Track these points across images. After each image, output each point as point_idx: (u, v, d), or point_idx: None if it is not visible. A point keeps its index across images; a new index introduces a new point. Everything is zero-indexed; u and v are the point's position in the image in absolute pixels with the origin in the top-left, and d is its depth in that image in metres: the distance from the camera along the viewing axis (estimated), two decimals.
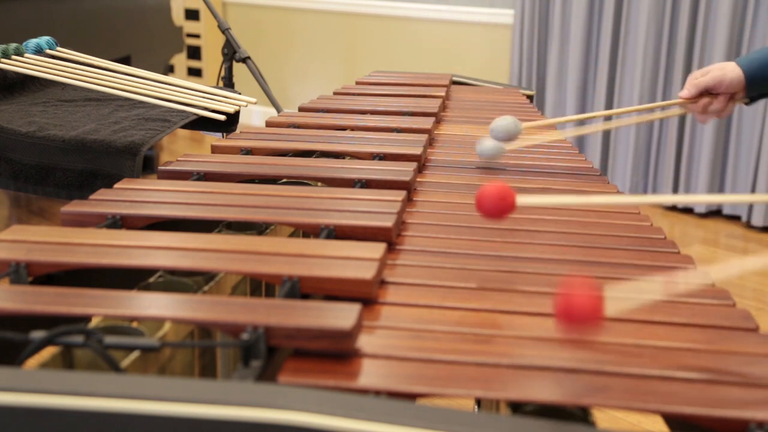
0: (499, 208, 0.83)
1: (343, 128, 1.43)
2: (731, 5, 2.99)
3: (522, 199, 0.84)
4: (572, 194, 0.97)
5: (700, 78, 1.31)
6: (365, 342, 0.65)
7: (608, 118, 1.43)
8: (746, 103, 1.36)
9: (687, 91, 1.32)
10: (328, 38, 4.16)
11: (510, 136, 1.22)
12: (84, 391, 0.50)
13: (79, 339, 0.60)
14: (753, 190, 3.08)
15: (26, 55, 1.82)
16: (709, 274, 0.75)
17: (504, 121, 1.19)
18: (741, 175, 3.14)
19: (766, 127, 3.01)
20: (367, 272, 0.74)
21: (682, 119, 3.19)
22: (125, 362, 0.62)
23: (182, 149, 4.00)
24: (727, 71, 1.29)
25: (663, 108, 1.49)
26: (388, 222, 0.90)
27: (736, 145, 3.13)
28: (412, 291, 0.78)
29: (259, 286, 0.96)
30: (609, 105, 3.37)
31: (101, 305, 0.66)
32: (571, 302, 0.61)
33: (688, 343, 0.68)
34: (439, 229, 0.96)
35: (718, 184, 3.19)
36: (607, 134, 3.42)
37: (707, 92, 1.31)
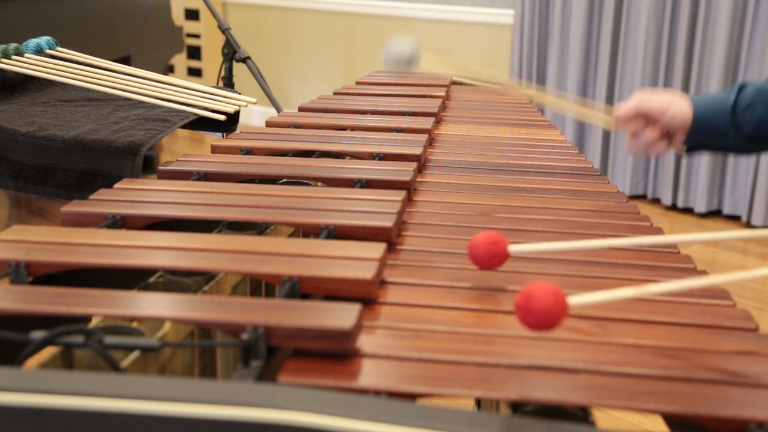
0: (490, 256, 0.81)
1: (343, 128, 1.43)
2: (731, 5, 2.99)
3: (515, 248, 0.81)
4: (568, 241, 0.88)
5: (644, 102, 1.13)
6: (365, 342, 0.65)
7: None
8: (683, 152, 1.17)
9: (623, 110, 1.14)
10: (328, 38, 4.16)
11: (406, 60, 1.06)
12: (84, 391, 0.50)
13: (79, 339, 0.60)
14: (753, 191, 3.08)
15: (26, 55, 1.82)
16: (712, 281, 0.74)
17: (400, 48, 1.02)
18: (741, 175, 3.14)
19: None
20: (367, 272, 0.74)
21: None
22: (125, 362, 0.62)
23: (182, 149, 4.00)
24: (675, 104, 1.12)
25: (593, 108, 1.30)
26: (388, 222, 0.90)
27: None
28: (412, 291, 0.78)
29: (259, 286, 0.96)
30: (609, 105, 3.37)
31: (101, 305, 0.66)
32: (530, 307, 0.61)
33: (688, 343, 0.68)
34: (439, 229, 0.96)
35: (718, 185, 3.19)
36: (607, 134, 3.42)
37: (645, 117, 1.13)
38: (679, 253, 0.92)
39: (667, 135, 1.14)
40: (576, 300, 0.63)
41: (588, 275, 0.84)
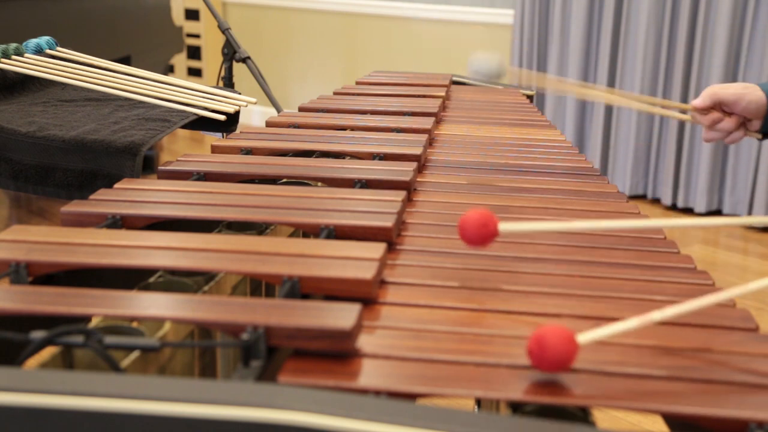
0: (481, 236, 0.82)
1: (343, 128, 1.43)
2: (731, 5, 2.99)
3: (505, 226, 0.82)
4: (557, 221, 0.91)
5: (719, 91, 1.19)
6: (365, 342, 0.65)
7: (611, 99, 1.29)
8: (759, 138, 1.24)
9: (701, 100, 1.20)
10: (328, 38, 4.16)
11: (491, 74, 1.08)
12: (84, 391, 0.50)
13: (79, 339, 0.60)
14: (753, 191, 3.08)
15: (26, 55, 1.82)
16: (728, 295, 0.73)
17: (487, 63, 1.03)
18: (741, 175, 3.14)
19: None
20: (367, 272, 0.74)
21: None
22: (125, 362, 0.62)
23: (182, 149, 4.00)
24: (749, 91, 1.17)
25: (668, 107, 1.37)
26: (388, 222, 0.90)
27: (736, 145, 3.13)
28: (412, 291, 0.78)
29: (259, 286, 0.96)
30: (609, 105, 3.37)
31: (101, 305, 0.66)
32: (544, 346, 0.60)
33: (688, 343, 0.68)
34: (439, 229, 0.96)
35: (718, 185, 3.20)
36: (607, 134, 3.42)
37: (721, 107, 1.19)
38: (679, 253, 0.92)
39: (743, 123, 1.19)
40: (585, 337, 0.62)
41: (588, 275, 0.84)
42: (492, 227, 0.81)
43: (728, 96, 1.17)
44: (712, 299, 0.69)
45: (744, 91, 1.16)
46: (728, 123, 1.18)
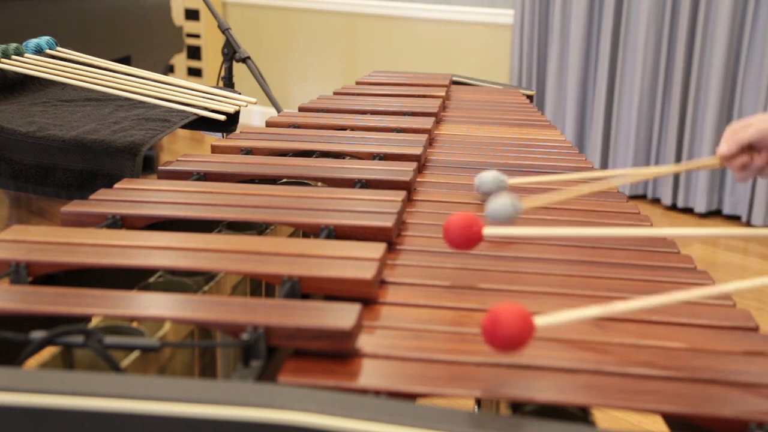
0: (466, 238, 0.83)
1: (343, 128, 1.43)
2: (731, 5, 2.99)
3: (489, 231, 0.83)
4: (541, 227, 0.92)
5: (740, 132, 1.13)
6: (365, 342, 0.65)
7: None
8: None
9: (726, 148, 1.14)
10: (328, 38, 4.16)
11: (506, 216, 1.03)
12: (84, 391, 0.50)
13: (79, 339, 0.60)
14: (753, 191, 3.08)
15: (26, 55, 1.82)
16: (724, 290, 0.73)
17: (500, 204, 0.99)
18: None
19: None
20: (367, 272, 0.74)
21: (681, 119, 3.19)
22: (125, 362, 0.62)
23: (182, 149, 4.00)
24: None
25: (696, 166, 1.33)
26: (388, 222, 0.90)
27: None
28: (412, 291, 0.78)
29: (259, 286, 0.96)
30: (609, 105, 3.37)
31: (101, 305, 0.66)
32: (497, 324, 0.60)
33: (688, 343, 0.68)
34: (439, 229, 0.96)
35: (718, 185, 3.20)
36: (607, 134, 3.42)
37: (749, 147, 1.14)
38: (679, 253, 0.92)
39: None
40: (543, 321, 0.63)
41: (588, 275, 0.84)
42: (476, 230, 0.82)
43: (753, 135, 1.12)
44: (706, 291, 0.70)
45: (765, 126, 1.11)
46: (759, 161, 1.14)
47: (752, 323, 0.73)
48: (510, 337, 0.59)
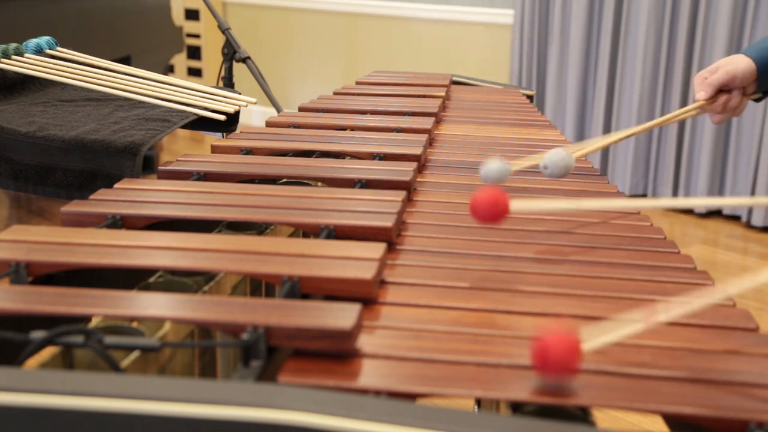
0: (493, 213, 0.84)
1: (343, 128, 1.43)
2: (731, 5, 2.99)
3: (517, 205, 0.84)
4: (567, 199, 0.95)
5: (711, 76, 1.24)
6: (365, 342, 0.65)
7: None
8: (756, 100, 1.29)
9: (704, 92, 1.25)
10: (328, 38, 4.16)
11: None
12: (84, 391, 0.50)
13: (79, 339, 0.60)
14: (753, 191, 3.08)
15: (26, 55, 1.82)
16: (726, 291, 0.73)
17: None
18: (741, 175, 3.14)
19: (766, 127, 3.01)
20: (367, 272, 0.74)
21: (682, 120, 3.19)
22: (125, 362, 0.62)
23: (182, 149, 4.00)
24: (738, 64, 1.23)
25: (678, 115, 1.42)
26: (388, 222, 0.90)
27: (736, 146, 3.13)
28: (412, 291, 0.78)
29: (259, 286, 0.96)
30: (609, 105, 3.37)
31: (101, 305, 0.66)
32: (547, 354, 0.59)
33: (688, 343, 0.68)
34: (439, 229, 0.96)
35: (718, 185, 3.20)
36: (607, 134, 3.42)
37: (722, 90, 1.25)
38: (679, 253, 0.92)
39: (743, 92, 1.26)
40: (591, 345, 0.62)
41: (588, 275, 0.84)
42: (503, 205, 0.84)
43: (723, 77, 1.23)
44: (718, 296, 0.70)
45: (733, 67, 1.22)
46: (735, 99, 1.25)
47: (752, 323, 0.73)
48: (560, 369, 0.59)
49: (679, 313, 0.67)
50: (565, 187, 1.16)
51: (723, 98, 1.25)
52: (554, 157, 1.03)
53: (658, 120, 1.33)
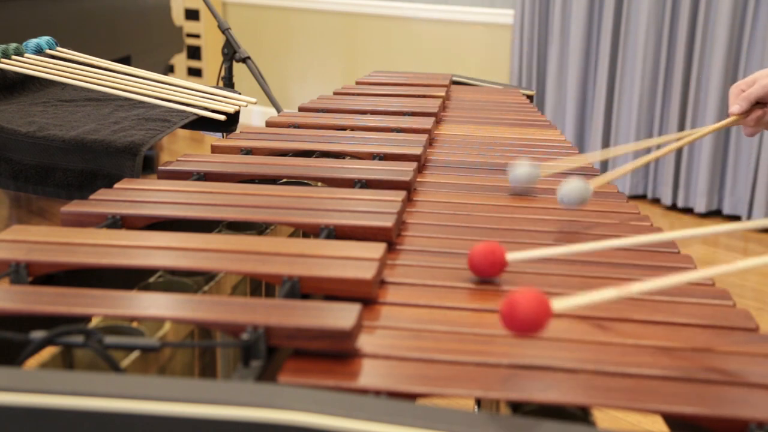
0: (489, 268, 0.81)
1: (343, 128, 1.43)
2: (731, 5, 2.99)
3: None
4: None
5: (747, 89, 1.22)
6: (365, 342, 0.65)
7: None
8: None
9: (738, 106, 1.23)
10: (328, 38, 4.16)
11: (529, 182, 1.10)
12: (84, 391, 0.50)
13: (79, 339, 0.60)
14: (753, 191, 3.08)
15: (26, 55, 1.82)
16: (706, 274, 0.74)
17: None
18: (741, 176, 3.14)
19: None
20: (367, 272, 0.74)
21: (681, 119, 3.19)
22: (125, 362, 0.62)
23: (182, 149, 4.00)
24: None
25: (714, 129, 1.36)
26: (388, 222, 0.90)
27: (736, 146, 3.13)
28: (412, 291, 0.78)
29: (259, 286, 0.96)
30: (609, 105, 3.37)
31: (101, 305, 0.66)
32: (516, 309, 0.62)
33: (688, 343, 0.68)
34: (439, 229, 0.96)
35: (718, 185, 3.20)
36: (607, 134, 3.42)
37: (758, 103, 1.23)
38: (679, 253, 0.92)
39: None
40: (560, 304, 0.64)
41: (588, 275, 0.84)
42: (500, 262, 0.81)
43: (760, 90, 1.20)
44: (691, 276, 0.71)
45: (766, 81, 1.20)
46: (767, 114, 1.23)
47: (752, 323, 0.73)
48: (528, 321, 0.61)
49: (653, 287, 0.68)
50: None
51: (758, 113, 1.23)
52: (571, 193, 1.01)
53: (688, 136, 1.29)
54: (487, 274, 0.80)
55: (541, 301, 0.62)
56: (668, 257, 0.91)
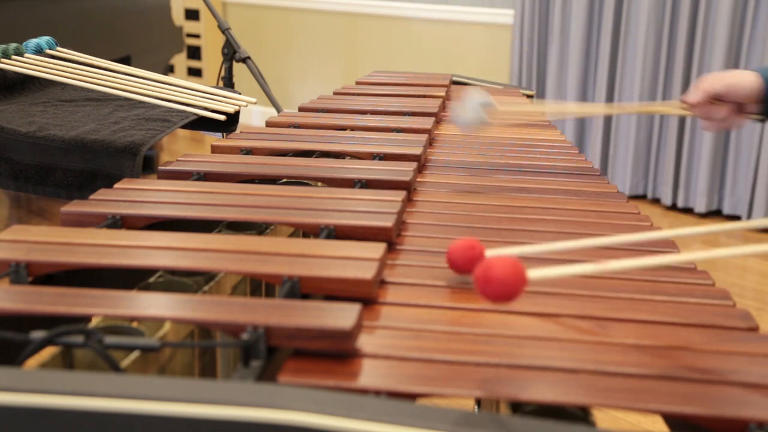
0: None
1: (343, 128, 1.43)
2: (731, 5, 2.99)
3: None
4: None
5: (709, 83, 1.21)
6: (365, 342, 0.65)
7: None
8: (760, 120, 1.25)
9: (692, 96, 1.22)
10: (328, 38, 4.16)
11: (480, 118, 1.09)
12: (84, 391, 0.50)
13: (79, 339, 0.60)
14: (753, 191, 3.08)
15: (26, 55, 1.82)
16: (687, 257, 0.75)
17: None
18: (741, 175, 3.14)
19: (766, 127, 3.01)
20: (367, 272, 0.74)
21: (682, 119, 3.19)
22: (125, 362, 0.62)
23: (182, 149, 4.00)
24: (743, 79, 1.19)
25: (665, 107, 1.41)
26: (388, 222, 0.90)
27: (736, 146, 3.13)
28: (412, 291, 0.78)
29: (259, 286, 0.96)
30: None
31: (101, 305, 0.66)
32: (491, 274, 0.62)
33: (688, 343, 0.68)
34: (439, 229, 0.97)
35: (718, 185, 3.19)
36: (607, 134, 3.42)
37: (716, 99, 1.20)
38: (679, 253, 0.92)
39: (739, 108, 1.21)
40: (535, 273, 0.64)
41: (588, 275, 0.83)
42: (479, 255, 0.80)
43: (719, 87, 1.19)
44: (672, 259, 0.71)
45: (734, 80, 1.19)
46: (720, 111, 1.20)
47: (752, 323, 0.73)
48: (502, 286, 0.61)
49: (631, 265, 0.69)
50: (564, 187, 1.16)
51: (707, 108, 1.21)
52: (466, 115, 0.99)
53: (634, 106, 1.31)
54: (466, 270, 0.80)
55: (517, 267, 0.62)
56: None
